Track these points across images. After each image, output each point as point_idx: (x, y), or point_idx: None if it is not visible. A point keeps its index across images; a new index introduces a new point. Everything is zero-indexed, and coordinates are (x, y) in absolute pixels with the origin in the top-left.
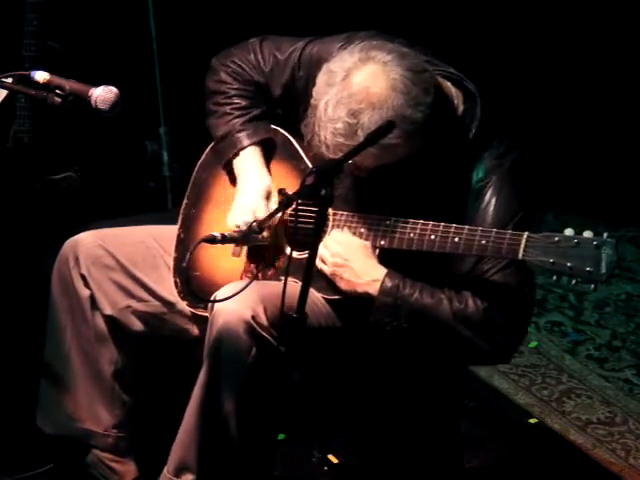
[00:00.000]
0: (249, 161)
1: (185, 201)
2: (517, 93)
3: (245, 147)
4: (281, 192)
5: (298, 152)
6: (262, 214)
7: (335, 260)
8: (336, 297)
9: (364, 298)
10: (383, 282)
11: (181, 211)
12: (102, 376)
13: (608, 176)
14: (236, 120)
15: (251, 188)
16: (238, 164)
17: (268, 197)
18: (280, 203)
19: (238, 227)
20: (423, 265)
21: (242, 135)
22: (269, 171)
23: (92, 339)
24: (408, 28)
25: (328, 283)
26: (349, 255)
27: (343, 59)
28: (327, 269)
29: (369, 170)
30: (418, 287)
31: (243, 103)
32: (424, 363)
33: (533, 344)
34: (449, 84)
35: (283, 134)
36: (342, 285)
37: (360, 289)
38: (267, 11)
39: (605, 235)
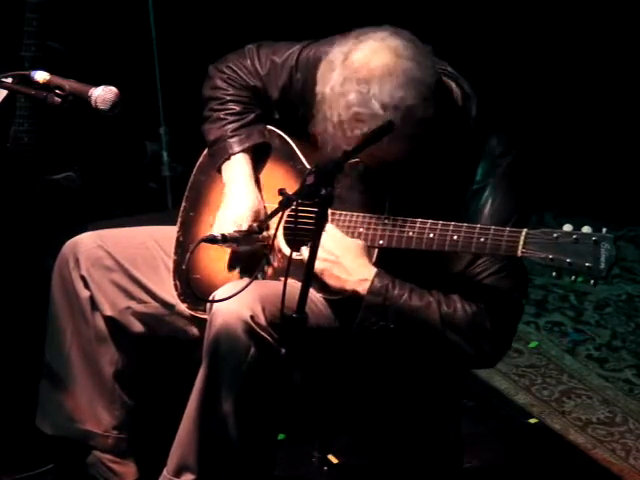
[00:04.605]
0: (236, 171)
1: (183, 204)
2: (517, 93)
3: (235, 153)
4: (281, 192)
5: (295, 152)
6: (244, 226)
7: (326, 256)
8: (336, 297)
9: (352, 297)
10: (372, 282)
11: (179, 214)
12: (102, 377)
13: (608, 176)
14: (229, 125)
15: (236, 201)
16: (226, 172)
17: (255, 212)
18: (280, 203)
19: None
20: (417, 265)
21: (234, 140)
22: (266, 171)
23: (92, 340)
24: (405, 26)
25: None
26: (341, 252)
27: (340, 47)
28: (318, 265)
29: (392, 155)
30: (407, 288)
31: (237, 109)
32: (424, 363)
33: (533, 344)
34: (449, 80)
35: (280, 134)
36: (331, 282)
37: (349, 287)
38: (266, 11)
39: (604, 230)
